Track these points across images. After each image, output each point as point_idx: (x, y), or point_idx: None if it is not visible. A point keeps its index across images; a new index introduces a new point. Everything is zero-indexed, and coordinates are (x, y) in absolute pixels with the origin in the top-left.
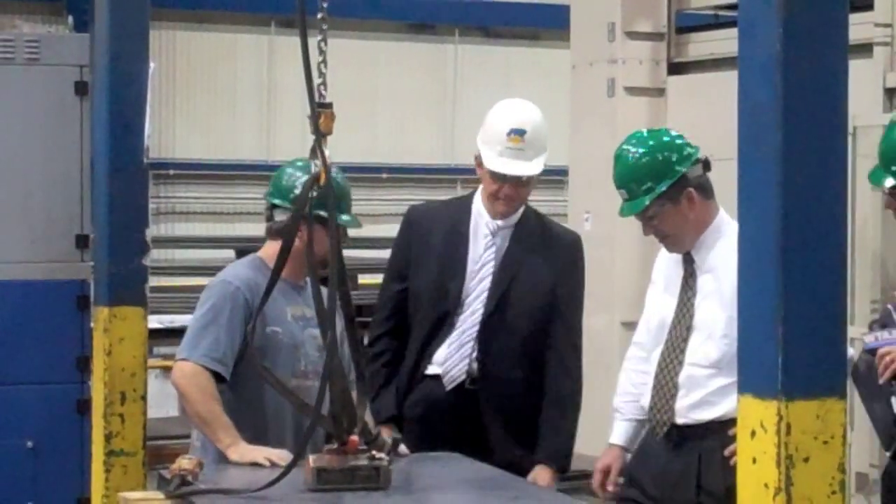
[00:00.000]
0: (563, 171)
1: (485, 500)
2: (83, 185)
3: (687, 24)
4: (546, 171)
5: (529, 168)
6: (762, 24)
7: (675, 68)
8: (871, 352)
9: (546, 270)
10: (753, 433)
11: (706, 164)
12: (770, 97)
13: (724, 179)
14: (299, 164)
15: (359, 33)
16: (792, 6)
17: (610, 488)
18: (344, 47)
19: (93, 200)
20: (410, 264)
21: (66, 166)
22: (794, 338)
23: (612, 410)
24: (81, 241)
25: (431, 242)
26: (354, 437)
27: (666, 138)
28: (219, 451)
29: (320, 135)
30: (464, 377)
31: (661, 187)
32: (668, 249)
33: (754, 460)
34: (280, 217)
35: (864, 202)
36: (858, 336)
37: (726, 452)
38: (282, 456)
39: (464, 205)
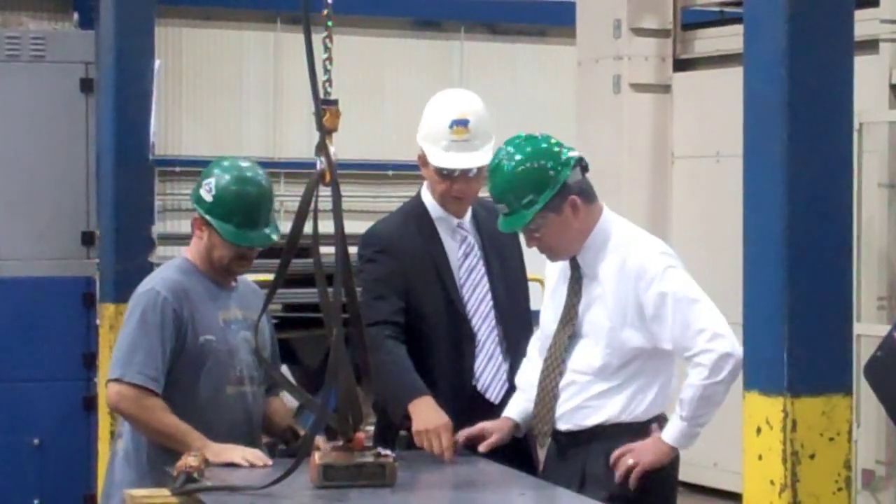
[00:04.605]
0: None
1: (491, 497)
2: (89, 182)
3: (693, 21)
4: None
5: (479, 158)
6: (768, 20)
7: (681, 65)
8: None
9: (518, 253)
10: (759, 430)
11: (584, 166)
12: (776, 93)
13: (731, 176)
14: (226, 163)
15: (364, 30)
16: (798, 3)
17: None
18: (349, 44)
19: (99, 197)
20: (408, 284)
21: (72, 163)
22: (800, 335)
23: (518, 390)
24: (87, 239)
25: (411, 261)
26: (360, 434)
27: (543, 144)
28: (143, 462)
29: (325, 131)
30: (507, 387)
31: (542, 199)
32: (552, 259)
33: (760, 457)
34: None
35: (870, 199)
36: (864, 333)
37: (612, 458)
38: (258, 455)
39: (419, 214)
